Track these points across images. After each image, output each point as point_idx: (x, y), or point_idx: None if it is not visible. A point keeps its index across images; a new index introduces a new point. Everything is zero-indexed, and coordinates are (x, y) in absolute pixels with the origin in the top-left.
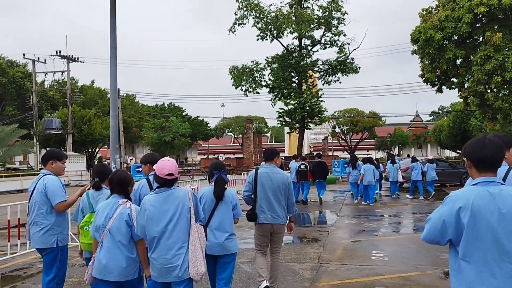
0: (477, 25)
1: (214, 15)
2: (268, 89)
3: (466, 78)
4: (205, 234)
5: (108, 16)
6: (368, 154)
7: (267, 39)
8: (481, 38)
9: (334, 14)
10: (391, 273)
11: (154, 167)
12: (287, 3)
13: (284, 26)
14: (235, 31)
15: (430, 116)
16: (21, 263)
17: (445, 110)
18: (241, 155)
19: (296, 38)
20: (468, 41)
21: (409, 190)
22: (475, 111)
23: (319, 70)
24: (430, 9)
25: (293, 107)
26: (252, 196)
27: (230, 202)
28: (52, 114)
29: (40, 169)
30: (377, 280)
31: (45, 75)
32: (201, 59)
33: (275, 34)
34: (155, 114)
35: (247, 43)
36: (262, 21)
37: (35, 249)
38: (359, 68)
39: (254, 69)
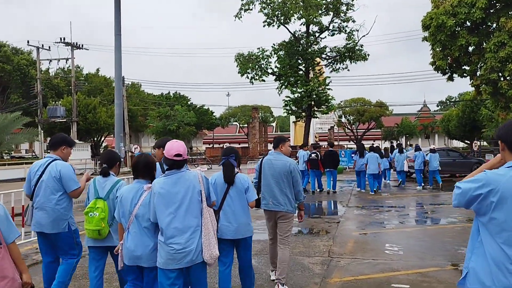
0: (491, 10)
1: (220, 2)
2: (274, 77)
3: (478, 66)
4: (217, 219)
5: (113, 3)
6: (373, 144)
7: (273, 26)
8: (494, 25)
9: None
10: (408, 269)
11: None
12: None
13: (291, 11)
14: (241, 17)
15: (438, 106)
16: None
17: (452, 100)
18: (246, 145)
19: (303, 24)
20: (481, 28)
21: (416, 181)
22: (486, 100)
23: (327, 57)
24: None
25: (299, 95)
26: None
27: (242, 186)
28: (57, 102)
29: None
30: (393, 276)
31: (49, 63)
32: (207, 47)
33: (282, 20)
34: (160, 103)
35: (253, 31)
36: (269, 6)
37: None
38: (368, 55)
39: (260, 56)
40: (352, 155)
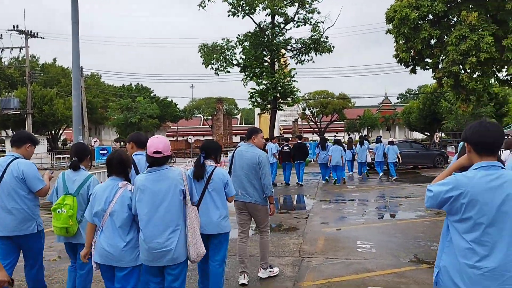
0: (453, 4)
1: None
2: (239, 68)
3: (440, 59)
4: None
5: None
6: (335, 136)
7: (238, 15)
8: (456, 18)
9: None
10: (383, 269)
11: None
12: None
13: (256, 1)
14: (205, 6)
15: (398, 99)
16: None
17: (412, 92)
18: (211, 137)
19: (268, 15)
20: (443, 21)
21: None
22: (445, 93)
23: (292, 49)
24: None
25: (265, 87)
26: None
27: (221, 181)
28: (10, 94)
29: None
30: (369, 277)
31: (1, 52)
32: (171, 38)
33: (247, 10)
34: (122, 95)
35: (219, 22)
36: None
37: None
38: (333, 47)
39: (225, 47)
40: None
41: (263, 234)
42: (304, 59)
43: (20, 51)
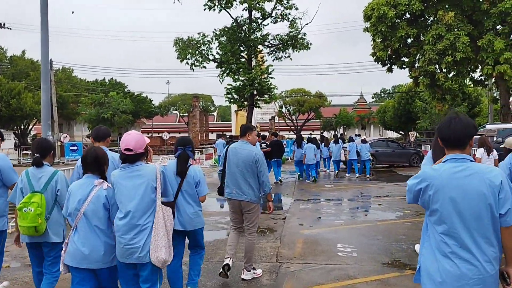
0: (430, 3)
1: None
2: (215, 64)
3: (417, 58)
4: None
5: None
6: (311, 134)
7: (215, 9)
8: (431, 18)
9: None
10: (366, 275)
11: None
12: None
13: None
14: None
15: (373, 98)
16: None
17: (387, 92)
18: (187, 134)
19: (246, 10)
20: (420, 20)
21: (352, 170)
22: (420, 92)
23: (270, 45)
24: None
25: (242, 83)
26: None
27: (193, 179)
28: None
29: None
30: (351, 285)
31: None
32: (147, 32)
33: (223, 4)
34: (95, 89)
35: (196, 16)
36: None
37: None
38: (311, 44)
39: (201, 41)
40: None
41: (250, 235)
42: (282, 55)
43: None
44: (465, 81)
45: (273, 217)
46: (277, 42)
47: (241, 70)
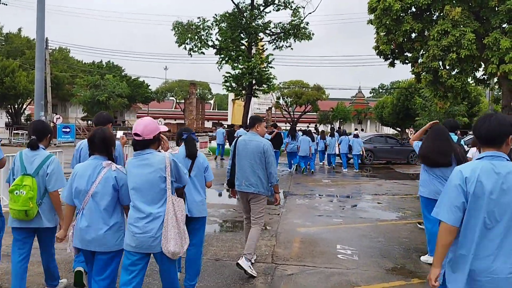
0: None
1: None
2: (215, 50)
3: (420, 53)
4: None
5: None
6: (308, 127)
7: None
8: (437, 13)
9: None
10: (368, 282)
11: None
12: None
13: None
14: None
15: (370, 93)
16: None
17: (384, 87)
18: (182, 121)
19: None
20: (426, 14)
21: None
22: (420, 89)
23: (271, 33)
24: None
25: (240, 71)
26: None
27: (202, 164)
28: None
29: None
30: None
31: None
32: (146, 13)
33: None
34: (91, 71)
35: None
36: None
37: None
38: (313, 34)
39: (201, 26)
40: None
41: (256, 225)
42: (283, 45)
43: None
44: (468, 79)
45: (268, 212)
46: (279, 31)
47: (240, 58)
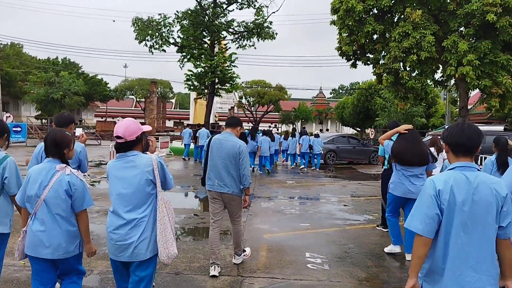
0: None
1: None
2: (176, 48)
3: (381, 55)
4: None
5: None
6: (269, 127)
7: None
8: (398, 15)
9: None
10: None
11: None
12: None
13: None
14: None
15: (331, 94)
16: None
17: (344, 88)
18: (143, 120)
19: None
20: (387, 16)
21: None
22: (380, 90)
23: (234, 32)
24: None
25: (203, 70)
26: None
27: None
28: None
29: None
30: None
31: None
32: (106, 9)
33: None
34: (46, 68)
35: None
36: None
37: None
38: (276, 34)
39: (162, 23)
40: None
41: (236, 224)
42: (246, 44)
43: None
44: (428, 81)
45: None
46: (242, 30)
47: (203, 56)
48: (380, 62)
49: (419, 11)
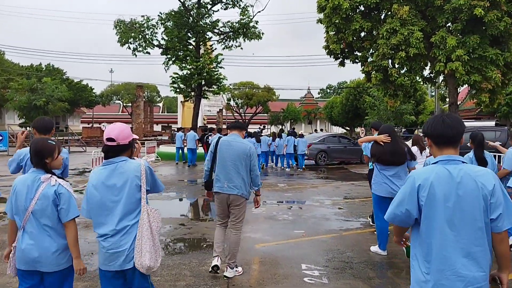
0: None
1: None
2: (161, 50)
3: (370, 52)
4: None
5: None
6: (259, 129)
7: None
8: (385, 12)
9: None
10: None
11: None
12: None
13: None
14: None
15: (319, 94)
16: None
17: (332, 88)
18: (130, 125)
19: None
20: (374, 13)
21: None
22: (369, 88)
23: (220, 32)
24: None
25: (189, 72)
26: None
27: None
28: None
29: None
30: None
31: None
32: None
33: None
34: (29, 75)
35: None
36: None
37: None
38: (263, 34)
39: (145, 25)
40: None
41: (236, 231)
42: (232, 44)
43: None
44: (417, 77)
45: None
46: (228, 30)
47: (188, 58)
48: (369, 59)
49: (406, 7)
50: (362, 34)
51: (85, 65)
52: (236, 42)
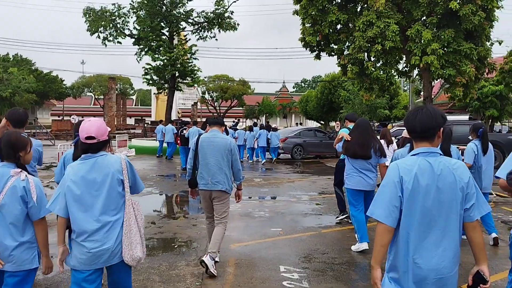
0: None
1: None
2: (133, 40)
3: (346, 45)
4: None
5: None
6: (233, 122)
7: None
8: (361, 4)
9: None
10: None
11: None
12: None
13: None
14: None
15: (294, 88)
16: None
17: (307, 82)
18: (102, 118)
19: None
20: (350, 5)
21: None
22: (344, 82)
23: (194, 22)
24: None
25: (162, 63)
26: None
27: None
28: None
29: None
30: None
31: None
32: (59, 1)
33: None
34: None
35: None
36: None
37: None
38: (238, 25)
39: (116, 13)
40: None
41: (221, 225)
42: (207, 35)
43: None
44: (392, 71)
45: (195, 223)
46: (202, 20)
47: (161, 48)
48: (345, 52)
49: (382, 0)
50: (339, 26)
51: (56, 56)
52: (211, 32)
